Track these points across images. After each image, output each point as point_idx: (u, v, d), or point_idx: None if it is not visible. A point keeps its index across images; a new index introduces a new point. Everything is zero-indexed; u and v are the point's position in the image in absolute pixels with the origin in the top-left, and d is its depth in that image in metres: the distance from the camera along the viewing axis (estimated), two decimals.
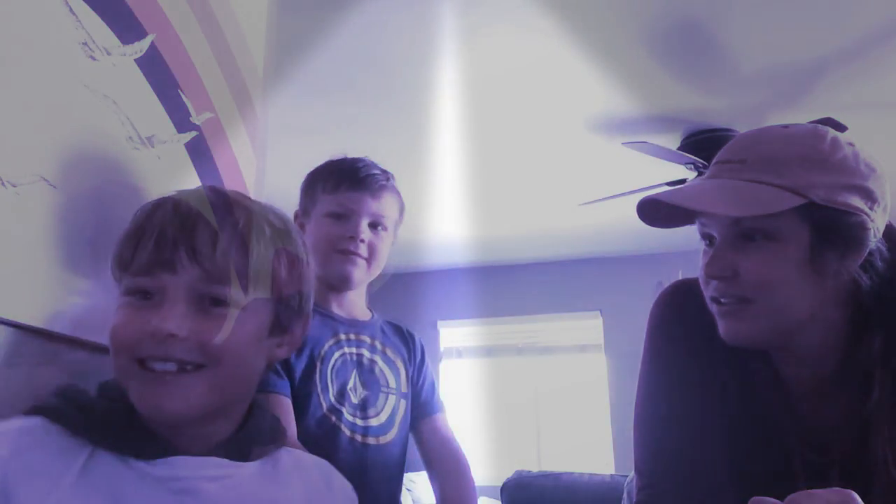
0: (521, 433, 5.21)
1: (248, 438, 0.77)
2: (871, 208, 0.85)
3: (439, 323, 5.34)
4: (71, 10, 0.99)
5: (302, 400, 1.22)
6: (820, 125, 0.91)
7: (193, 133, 1.25)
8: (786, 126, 0.92)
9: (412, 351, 1.43)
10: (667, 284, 1.04)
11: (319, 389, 1.24)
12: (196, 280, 0.70)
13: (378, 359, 1.35)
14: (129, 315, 0.70)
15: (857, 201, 0.84)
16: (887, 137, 3.25)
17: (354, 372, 1.30)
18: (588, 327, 5.27)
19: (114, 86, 1.06)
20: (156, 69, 1.16)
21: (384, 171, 1.39)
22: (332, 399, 1.25)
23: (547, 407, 5.26)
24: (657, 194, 0.90)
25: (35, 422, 0.71)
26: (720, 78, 2.88)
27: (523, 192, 4.08)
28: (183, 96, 1.23)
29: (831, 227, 0.84)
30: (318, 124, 3.19)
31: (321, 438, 1.20)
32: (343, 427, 1.24)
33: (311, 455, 0.86)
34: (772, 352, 0.92)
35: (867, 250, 0.85)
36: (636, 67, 2.80)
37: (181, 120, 1.22)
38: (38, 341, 0.92)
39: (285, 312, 0.78)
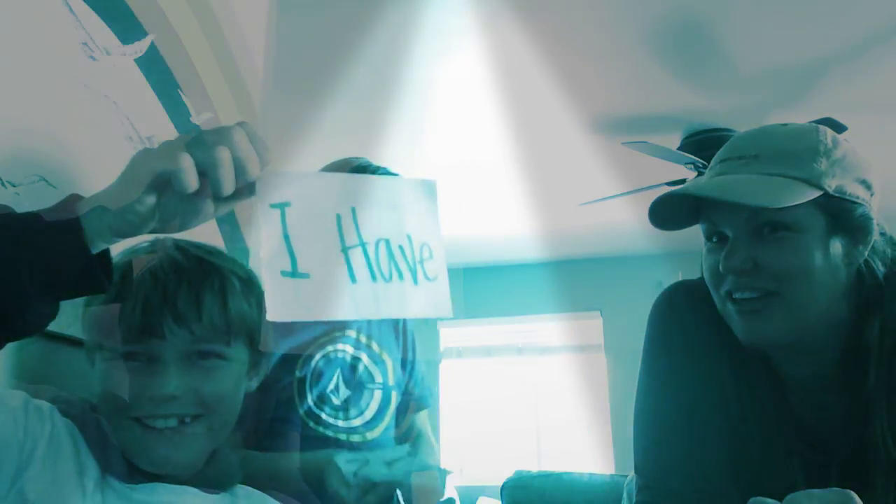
0: (521, 433, 5.21)
1: (217, 473, 0.83)
2: (871, 199, 0.88)
3: (439, 323, 5.34)
4: (71, 9, 0.99)
5: (281, 407, 1.22)
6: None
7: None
8: (784, 125, 0.93)
9: (400, 340, 1.41)
10: (667, 284, 1.04)
11: (297, 395, 1.24)
12: (184, 342, 0.76)
13: (363, 355, 1.33)
14: (120, 378, 0.75)
15: (861, 192, 0.87)
16: (887, 137, 3.25)
17: (338, 372, 1.29)
18: (588, 327, 5.27)
19: (114, 86, 1.06)
20: (156, 69, 1.16)
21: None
22: (312, 404, 1.25)
23: (547, 407, 5.26)
24: (682, 188, 0.90)
25: (68, 423, 0.77)
26: (720, 78, 2.88)
27: (524, 192, 4.08)
28: (183, 96, 1.23)
29: (843, 218, 0.86)
30: (318, 124, 3.19)
31: (301, 444, 1.20)
32: (323, 430, 1.24)
33: (264, 494, 0.89)
34: (773, 352, 0.92)
35: (873, 239, 0.88)
36: (636, 67, 2.80)
37: (181, 120, 1.22)
38: (38, 341, 0.92)
39: (257, 351, 0.85)
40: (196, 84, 1.27)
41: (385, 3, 2.38)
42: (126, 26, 1.10)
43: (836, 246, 0.86)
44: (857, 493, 0.66)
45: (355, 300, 0.64)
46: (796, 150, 0.87)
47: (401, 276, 0.68)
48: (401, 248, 0.69)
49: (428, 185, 0.73)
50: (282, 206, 0.61)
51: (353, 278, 0.64)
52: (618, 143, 3.26)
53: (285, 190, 0.62)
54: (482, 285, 5.16)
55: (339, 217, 0.65)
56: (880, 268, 0.88)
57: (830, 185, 0.85)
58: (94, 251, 0.59)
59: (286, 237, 0.61)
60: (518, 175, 3.85)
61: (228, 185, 0.57)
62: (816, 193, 0.84)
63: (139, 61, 1.12)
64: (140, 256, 0.79)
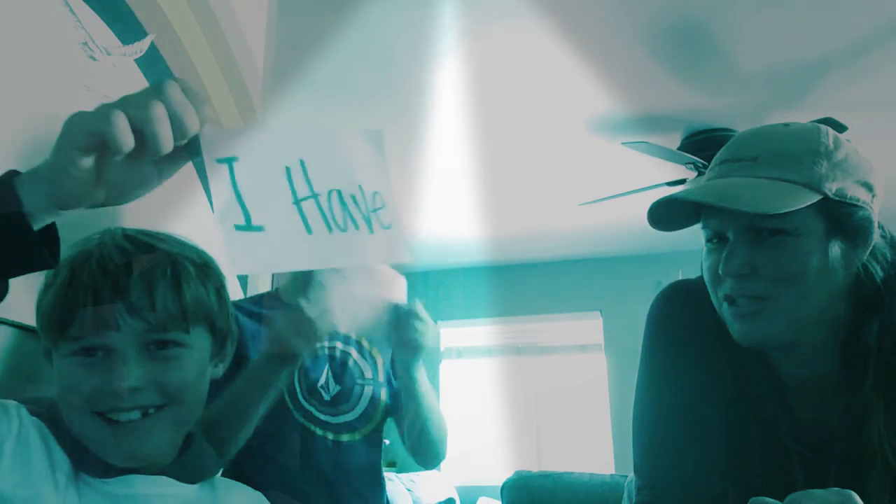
0: (521, 433, 5.21)
1: (193, 463, 0.81)
2: (872, 201, 0.87)
3: (439, 323, 5.34)
4: (71, 10, 0.99)
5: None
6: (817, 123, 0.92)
7: None
8: (786, 124, 0.92)
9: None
10: (666, 284, 1.04)
11: (287, 391, 1.23)
12: (140, 332, 0.74)
13: (352, 350, 1.33)
14: (79, 374, 0.73)
15: (863, 194, 0.86)
16: (887, 137, 3.25)
17: (327, 368, 1.29)
18: (588, 327, 5.27)
19: (114, 86, 1.06)
20: (156, 69, 1.16)
21: None
22: (302, 399, 1.25)
23: (547, 407, 5.26)
24: (680, 193, 0.90)
25: (37, 421, 0.74)
26: (720, 78, 2.88)
27: (524, 193, 4.08)
28: None
29: (843, 221, 0.85)
30: (318, 124, 3.19)
31: (292, 441, 1.20)
32: (314, 427, 1.24)
33: (244, 486, 0.89)
34: (772, 352, 0.92)
35: (873, 242, 0.87)
36: (636, 67, 2.80)
37: None
38: (33, 340, 0.92)
39: (219, 336, 0.84)
40: (196, 84, 1.27)
41: (385, 4, 2.38)
42: (126, 26, 1.10)
43: (836, 249, 0.85)
44: (856, 492, 0.66)
45: (313, 251, 0.64)
46: (796, 153, 0.86)
47: (356, 225, 0.68)
48: (353, 197, 0.69)
49: (374, 136, 0.73)
50: (229, 161, 0.60)
51: (308, 229, 0.64)
52: (618, 143, 3.27)
53: (232, 145, 0.60)
54: (482, 285, 5.16)
55: (288, 170, 0.64)
56: (879, 271, 0.88)
57: (831, 188, 0.84)
58: (38, 226, 0.57)
59: (237, 191, 0.60)
60: (518, 175, 3.85)
61: (166, 142, 0.55)
62: (816, 198, 0.83)
63: (139, 61, 1.12)
64: (138, 258, 0.77)
